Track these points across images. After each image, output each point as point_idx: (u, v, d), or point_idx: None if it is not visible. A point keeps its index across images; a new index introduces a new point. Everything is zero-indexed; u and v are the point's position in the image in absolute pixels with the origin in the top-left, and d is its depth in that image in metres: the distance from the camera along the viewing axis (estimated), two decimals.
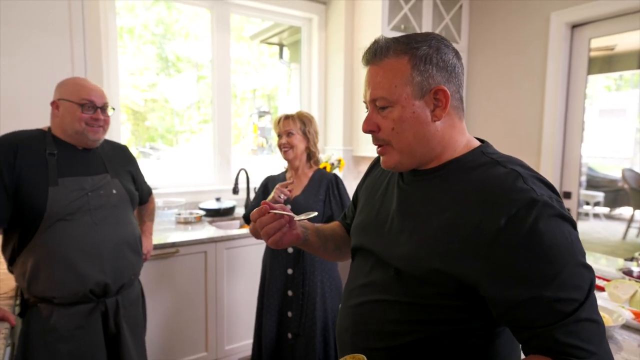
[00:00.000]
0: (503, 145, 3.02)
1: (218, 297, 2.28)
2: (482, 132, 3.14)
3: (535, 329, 0.63)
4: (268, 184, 1.95)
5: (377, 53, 0.75)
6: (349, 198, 1.86)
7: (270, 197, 1.68)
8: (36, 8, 1.81)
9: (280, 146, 1.84)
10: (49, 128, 1.41)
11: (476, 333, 0.73)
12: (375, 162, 1.00)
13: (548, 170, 2.68)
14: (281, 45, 3.79)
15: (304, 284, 1.78)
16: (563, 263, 0.61)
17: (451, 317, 0.71)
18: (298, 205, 1.79)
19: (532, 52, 2.75)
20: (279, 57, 3.85)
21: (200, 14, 3.08)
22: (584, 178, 2.73)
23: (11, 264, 1.35)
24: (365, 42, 2.87)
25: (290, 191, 1.68)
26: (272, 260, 1.84)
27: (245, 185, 2.85)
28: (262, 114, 4.08)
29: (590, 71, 2.55)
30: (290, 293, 1.79)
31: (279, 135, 1.84)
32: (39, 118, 1.52)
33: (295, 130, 1.81)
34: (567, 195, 2.69)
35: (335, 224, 1.11)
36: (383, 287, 0.78)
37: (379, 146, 0.79)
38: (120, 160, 1.58)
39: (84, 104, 1.35)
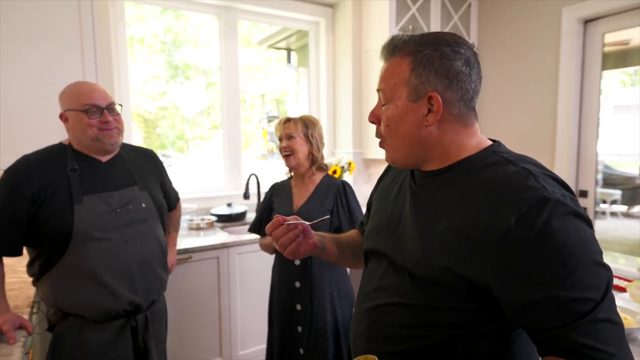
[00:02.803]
0: (516, 145, 2.97)
1: (231, 302, 2.28)
2: (494, 132, 3.10)
3: (549, 330, 0.61)
4: (273, 194, 1.87)
5: (388, 50, 0.76)
6: (358, 206, 1.77)
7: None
8: (47, 21, 1.84)
9: (280, 150, 1.74)
10: (69, 141, 1.36)
11: (492, 337, 0.71)
12: (389, 167, 1.00)
13: (563, 168, 2.63)
14: (289, 50, 3.80)
15: (312, 298, 1.70)
16: (577, 262, 0.60)
17: (465, 321, 0.70)
18: (301, 216, 1.72)
19: (543, 49, 2.71)
20: (286, 61, 3.87)
21: (208, 22, 3.10)
22: (600, 176, 2.67)
23: (37, 279, 1.31)
24: (373, 43, 2.87)
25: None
26: (280, 273, 1.78)
27: (256, 191, 2.85)
28: (271, 119, 4.09)
29: (604, 67, 2.50)
30: (298, 307, 1.72)
31: (280, 139, 1.75)
32: (53, 131, 1.52)
33: (297, 134, 1.71)
34: (584, 193, 2.63)
35: (353, 232, 1.11)
36: (396, 290, 0.77)
37: (379, 139, 0.81)
38: (148, 169, 1.50)
39: (87, 109, 1.27)
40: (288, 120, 1.76)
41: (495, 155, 0.73)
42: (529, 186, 0.63)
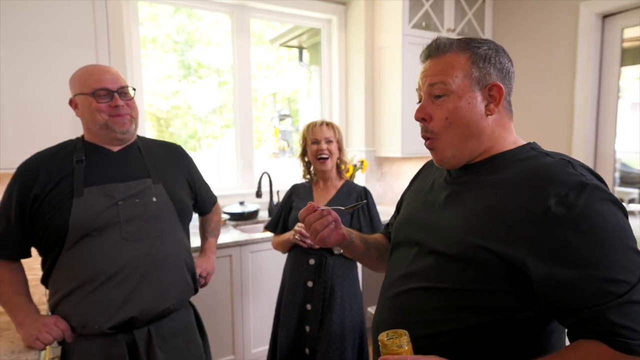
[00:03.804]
0: (531, 140, 2.93)
1: (244, 300, 2.29)
2: None
3: (584, 310, 0.62)
4: (292, 194, 1.88)
5: (440, 48, 0.78)
6: (378, 214, 1.78)
7: (290, 235, 1.69)
8: (62, 22, 1.86)
9: (317, 153, 1.73)
10: (83, 135, 1.25)
11: (526, 326, 0.71)
12: (420, 171, 1.02)
13: None
14: (301, 48, 3.79)
15: (323, 298, 1.70)
16: (613, 245, 0.62)
17: (498, 305, 0.70)
18: None
19: (560, 46, 2.66)
20: (298, 59, 3.86)
21: (221, 21, 3.11)
22: (617, 174, 2.62)
23: (46, 285, 1.21)
24: (385, 41, 2.85)
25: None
26: (292, 272, 1.78)
27: (268, 189, 2.85)
28: (282, 117, 4.10)
29: (623, 63, 2.45)
30: (309, 307, 1.72)
31: (316, 142, 1.74)
32: (67, 131, 1.52)
33: (334, 138, 1.75)
34: None
35: (378, 235, 1.12)
36: (426, 275, 0.78)
37: (427, 139, 0.81)
38: (170, 163, 1.33)
39: (95, 92, 1.14)
40: (327, 124, 1.77)
41: (532, 151, 0.76)
42: (568, 172, 0.66)
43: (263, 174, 2.80)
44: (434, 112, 0.78)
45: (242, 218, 2.68)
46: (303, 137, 1.82)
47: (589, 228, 0.62)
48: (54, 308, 1.16)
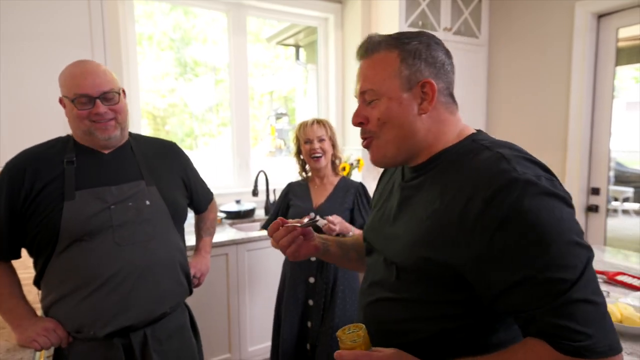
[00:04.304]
0: (527, 142, 2.95)
1: (240, 298, 2.29)
2: (505, 129, 3.07)
3: (526, 313, 0.61)
4: (289, 193, 1.90)
5: (369, 48, 0.76)
6: None
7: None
8: (58, 20, 1.85)
9: (310, 152, 1.76)
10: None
11: (485, 329, 0.70)
12: (385, 170, 1.01)
13: (575, 166, 2.60)
14: (297, 47, 3.79)
15: (326, 294, 1.72)
16: (550, 242, 0.58)
17: (458, 313, 0.69)
18: (323, 214, 1.73)
19: (556, 45, 2.67)
20: (295, 58, 3.86)
21: (217, 19, 3.10)
22: (612, 173, 2.64)
23: (38, 287, 1.19)
24: None
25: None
26: (293, 269, 1.79)
27: (264, 188, 2.86)
28: (279, 116, 4.09)
29: (618, 62, 2.46)
30: (311, 302, 1.74)
31: (309, 141, 1.77)
32: (63, 129, 1.48)
33: (326, 136, 1.78)
34: (596, 191, 2.60)
35: (359, 234, 1.12)
36: (387, 286, 0.78)
37: (365, 139, 0.80)
38: (164, 163, 1.30)
39: (76, 99, 1.10)
40: (318, 122, 1.79)
41: (474, 144, 0.73)
42: (499, 169, 0.63)
43: (259, 172, 2.80)
44: (369, 114, 0.77)
45: (239, 216, 2.68)
46: (296, 137, 1.84)
47: (522, 227, 0.59)
48: (47, 310, 1.15)
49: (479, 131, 0.78)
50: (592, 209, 2.61)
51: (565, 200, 0.62)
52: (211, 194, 1.53)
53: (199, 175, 1.44)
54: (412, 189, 0.78)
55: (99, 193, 1.13)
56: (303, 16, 3.07)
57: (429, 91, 0.73)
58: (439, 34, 2.85)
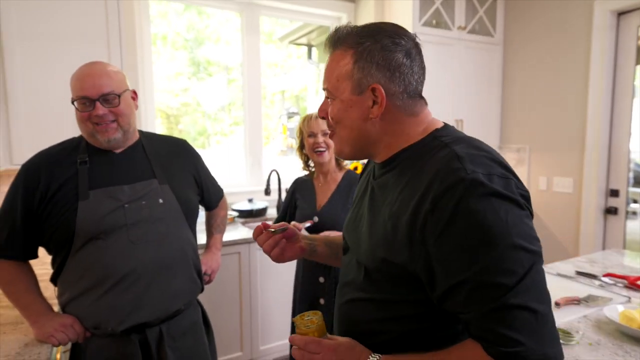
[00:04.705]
0: (543, 143, 2.90)
1: (252, 297, 2.30)
2: (520, 130, 3.02)
3: (465, 315, 0.61)
4: (295, 191, 1.89)
5: (332, 42, 0.75)
6: None
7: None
8: (75, 20, 1.88)
9: (313, 146, 1.74)
10: None
11: (448, 330, 0.70)
12: (366, 166, 1.00)
13: (593, 167, 2.55)
14: (310, 46, 3.78)
15: (335, 293, 1.72)
16: (491, 245, 0.57)
17: (418, 313, 0.70)
18: (325, 216, 1.73)
19: (573, 43, 2.62)
20: (307, 57, 3.85)
21: (230, 19, 3.12)
22: (631, 175, 2.58)
23: (55, 284, 1.21)
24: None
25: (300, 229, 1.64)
26: (305, 268, 1.79)
27: (277, 186, 2.86)
28: (291, 115, 4.09)
29: (638, 61, 2.40)
30: (322, 301, 1.73)
31: (312, 135, 1.74)
32: (78, 129, 1.51)
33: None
34: (615, 193, 2.54)
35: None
36: (357, 285, 0.78)
37: (330, 132, 0.81)
38: (176, 161, 1.30)
39: (77, 100, 1.11)
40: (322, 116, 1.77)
41: (435, 141, 0.71)
42: (449, 168, 0.62)
43: (272, 171, 2.80)
44: (329, 110, 0.77)
45: (251, 215, 2.69)
46: (299, 130, 1.81)
47: (463, 230, 0.58)
48: (64, 308, 1.17)
49: (445, 126, 0.76)
50: (610, 211, 2.56)
51: (516, 201, 0.60)
52: (221, 191, 1.54)
53: (209, 172, 1.45)
54: (379, 188, 0.78)
55: (113, 192, 1.14)
56: (316, 15, 3.07)
57: (379, 96, 0.70)
58: (453, 33, 2.82)
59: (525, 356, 0.56)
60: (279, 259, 0.95)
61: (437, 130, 0.74)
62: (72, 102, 1.13)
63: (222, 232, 1.58)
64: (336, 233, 1.62)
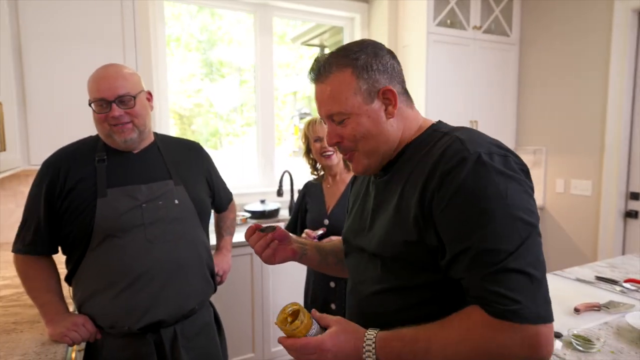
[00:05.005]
0: (560, 144, 2.85)
1: (264, 298, 2.30)
2: (537, 130, 2.97)
3: (465, 280, 0.67)
4: (306, 194, 1.88)
5: (322, 70, 0.78)
6: None
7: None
8: (92, 21, 1.90)
9: (321, 150, 1.72)
10: None
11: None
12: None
13: (613, 169, 2.49)
14: (322, 47, 3.78)
15: (346, 298, 1.70)
16: (492, 216, 0.63)
17: (436, 295, 0.74)
18: (334, 218, 1.71)
19: (593, 43, 2.57)
20: None
21: (243, 20, 3.13)
22: None
23: (69, 283, 1.23)
24: (409, 39, 2.81)
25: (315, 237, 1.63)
26: (315, 273, 1.77)
27: (289, 187, 2.85)
28: (303, 116, 4.09)
29: None
30: (333, 306, 1.71)
31: (319, 139, 1.72)
32: (94, 128, 1.52)
33: None
34: (635, 196, 2.48)
35: (337, 239, 1.13)
36: (375, 279, 0.81)
37: (346, 154, 0.83)
38: (189, 163, 1.33)
39: (94, 102, 1.14)
40: None
41: (435, 133, 0.79)
42: (453, 150, 0.69)
43: (284, 172, 2.80)
44: (342, 133, 0.79)
45: (263, 216, 2.69)
46: (305, 135, 1.79)
47: (467, 202, 0.65)
48: (80, 306, 1.18)
49: (439, 121, 0.83)
50: (631, 214, 2.49)
51: (515, 178, 0.66)
52: (231, 194, 1.56)
53: (220, 176, 1.47)
54: (384, 185, 0.83)
55: (130, 191, 1.16)
56: (329, 16, 3.06)
57: (391, 97, 0.77)
58: (468, 33, 2.78)
59: (521, 314, 0.62)
60: (270, 260, 0.95)
61: (433, 125, 0.82)
62: (90, 104, 1.16)
63: (232, 234, 1.61)
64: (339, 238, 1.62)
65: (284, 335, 0.76)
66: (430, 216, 0.69)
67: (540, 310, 0.63)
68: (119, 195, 1.15)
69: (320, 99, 0.80)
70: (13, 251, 1.18)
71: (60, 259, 1.23)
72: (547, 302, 0.64)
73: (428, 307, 0.74)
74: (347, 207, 1.06)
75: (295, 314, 0.75)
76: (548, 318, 0.63)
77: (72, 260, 1.18)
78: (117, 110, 1.13)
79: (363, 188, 0.93)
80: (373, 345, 0.70)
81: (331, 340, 0.72)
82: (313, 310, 0.78)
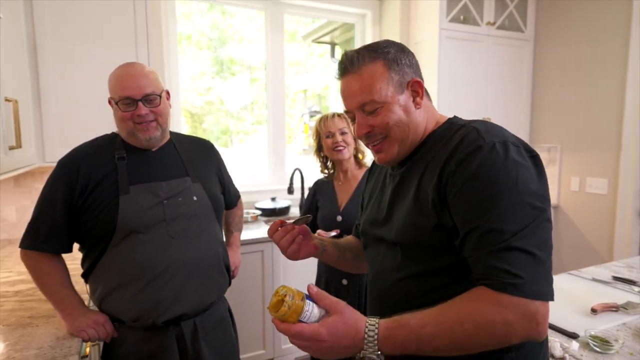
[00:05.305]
0: (575, 141, 2.80)
1: None
2: (551, 127, 2.92)
3: (471, 258, 0.69)
4: (316, 193, 1.88)
5: (354, 62, 0.81)
6: None
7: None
8: (105, 20, 1.92)
9: (332, 145, 1.74)
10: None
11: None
12: (372, 169, 1.06)
13: (630, 167, 2.43)
14: (333, 44, 3.76)
15: (359, 296, 1.68)
16: (501, 199, 0.67)
17: (454, 278, 0.75)
18: (348, 214, 1.71)
19: (610, 37, 2.51)
20: (330, 55, 3.83)
21: (253, 18, 3.13)
22: None
23: (86, 279, 1.24)
24: (422, 35, 2.78)
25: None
26: (328, 269, 1.77)
27: (299, 185, 2.85)
28: (313, 114, 4.08)
29: None
30: None
31: (330, 134, 1.74)
32: (108, 126, 1.49)
33: (347, 129, 1.75)
34: None
35: (350, 237, 1.15)
36: (395, 268, 0.83)
37: (376, 144, 0.84)
38: (203, 160, 1.36)
39: (120, 100, 1.15)
40: (339, 115, 1.77)
41: (452, 125, 0.82)
42: (469, 139, 0.73)
43: (295, 170, 2.80)
44: (373, 123, 0.81)
45: (274, 214, 2.69)
46: (316, 131, 1.81)
47: (480, 186, 0.68)
48: (101, 301, 1.19)
49: (454, 117, 0.87)
50: None
51: (526, 166, 0.70)
52: (238, 191, 1.59)
53: (229, 173, 1.51)
54: (401, 175, 0.86)
55: (152, 188, 1.19)
56: (340, 13, 3.05)
57: (418, 88, 0.82)
58: (482, 29, 2.75)
59: (522, 289, 0.64)
60: (295, 256, 0.96)
61: (450, 119, 0.86)
62: (116, 103, 1.17)
63: (240, 230, 1.65)
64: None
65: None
66: (445, 200, 0.72)
67: (540, 287, 0.65)
68: (142, 191, 1.17)
69: (350, 90, 0.82)
70: (23, 247, 1.17)
71: (74, 254, 1.24)
72: (548, 281, 0.66)
73: (448, 290, 0.73)
74: (362, 202, 1.07)
75: (281, 302, 0.69)
76: (547, 296, 0.65)
77: (92, 257, 1.19)
78: (143, 109, 1.16)
79: (379, 182, 0.95)
80: (375, 337, 0.68)
81: (328, 330, 0.68)
82: (310, 286, 0.73)
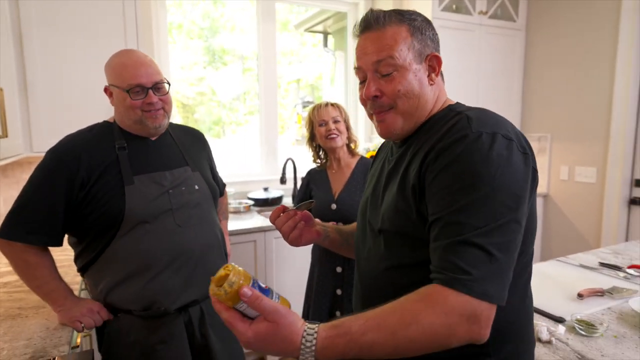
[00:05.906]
0: (565, 131, 2.82)
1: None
2: (542, 116, 2.94)
3: (431, 247, 0.67)
4: (310, 182, 1.89)
5: (380, 20, 0.77)
6: None
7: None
8: (93, 8, 1.88)
9: (325, 133, 1.74)
10: (114, 119, 1.23)
11: None
12: (378, 153, 1.03)
13: (618, 156, 2.46)
14: (326, 33, 3.74)
15: (353, 283, 1.71)
16: (474, 191, 0.63)
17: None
18: (343, 203, 1.72)
19: (600, 27, 2.52)
20: (323, 45, 3.81)
21: (245, 7, 3.09)
22: None
23: (84, 271, 1.21)
24: None
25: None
26: (322, 257, 1.77)
27: (292, 175, 2.85)
28: (306, 104, 4.07)
29: None
30: (339, 292, 1.72)
31: (324, 123, 1.74)
32: (95, 116, 1.39)
33: (340, 118, 1.76)
34: None
35: (354, 224, 1.11)
36: (379, 255, 0.80)
37: (380, 113, 0.80)
38: (198, 150, 1.37)
39: (130, 89, 1.13)
40: (332, 104, 1.78)
41: (450, 111, 0.78)
42: (456, 127, 0.70)
43: (287, 160, 2.79)
44: (384, 88, 0.77)
45: (266, 204, 2.69)
46: (309, 120, 1.81)
47: (456, 173, 0.65)
48: (106, 295, 1.17)
49: (457, 102, 0.84)
50: (635, 201, 2.48)
51: (510, 163, 0.65)
52: (222, 180, 1.60)
53: (215, 163, 1.52)
54: (395, 161, 0.83)
55: (156, 177, 1.19)
56: (333, 1, 3.02)
57: (435, 64, 0.79)
58: (474, 18, 2.74)
59: (468, 286, 0.60)
60: (297, 242, 0.94)
61: (450, 105, 0.82)
62: (126, 91, 1.14)
63: (227, 218, 1.66)
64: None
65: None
66: (424, 187, 0.70)
67: (488, 288, 0.60)
68: (147, 182, 1.17)
69: (370, 46, 0.77)
70: (5, 237, 1.11)
71: (55, 249, 1.22)
72: (501, 284, 0.62)
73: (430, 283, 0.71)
74: (366, 187, 1.03)
75: (225, 279, 0.62)
76: (494, 298, 0.61)
77: (94, 250, 1.15)
78: (154, 97, 1.15)
79: (378, 168, 0.92)
80: (313, 347, 0.61)
81: (256, 336, 0.62)
82: (243, 292, 0.62)
